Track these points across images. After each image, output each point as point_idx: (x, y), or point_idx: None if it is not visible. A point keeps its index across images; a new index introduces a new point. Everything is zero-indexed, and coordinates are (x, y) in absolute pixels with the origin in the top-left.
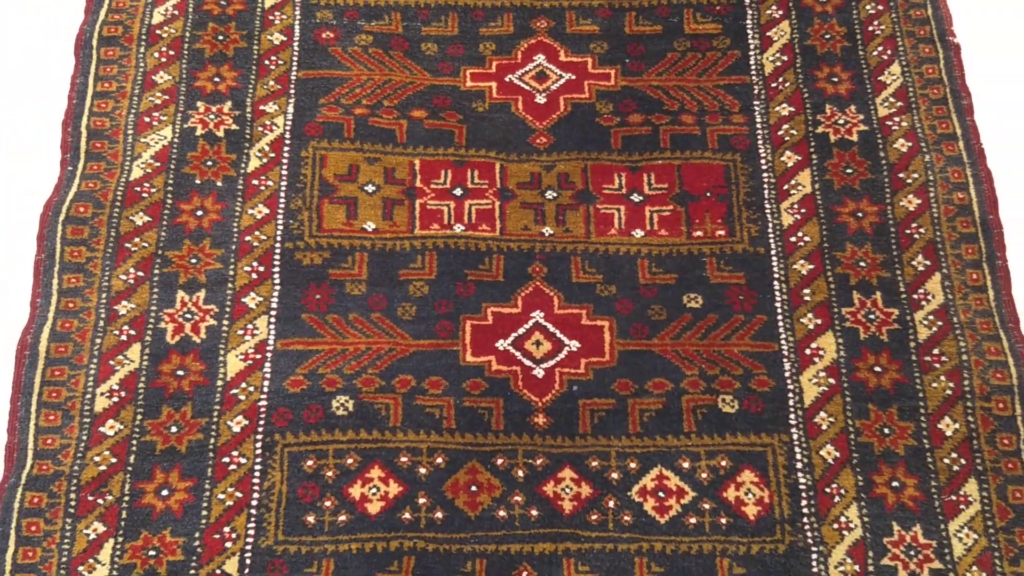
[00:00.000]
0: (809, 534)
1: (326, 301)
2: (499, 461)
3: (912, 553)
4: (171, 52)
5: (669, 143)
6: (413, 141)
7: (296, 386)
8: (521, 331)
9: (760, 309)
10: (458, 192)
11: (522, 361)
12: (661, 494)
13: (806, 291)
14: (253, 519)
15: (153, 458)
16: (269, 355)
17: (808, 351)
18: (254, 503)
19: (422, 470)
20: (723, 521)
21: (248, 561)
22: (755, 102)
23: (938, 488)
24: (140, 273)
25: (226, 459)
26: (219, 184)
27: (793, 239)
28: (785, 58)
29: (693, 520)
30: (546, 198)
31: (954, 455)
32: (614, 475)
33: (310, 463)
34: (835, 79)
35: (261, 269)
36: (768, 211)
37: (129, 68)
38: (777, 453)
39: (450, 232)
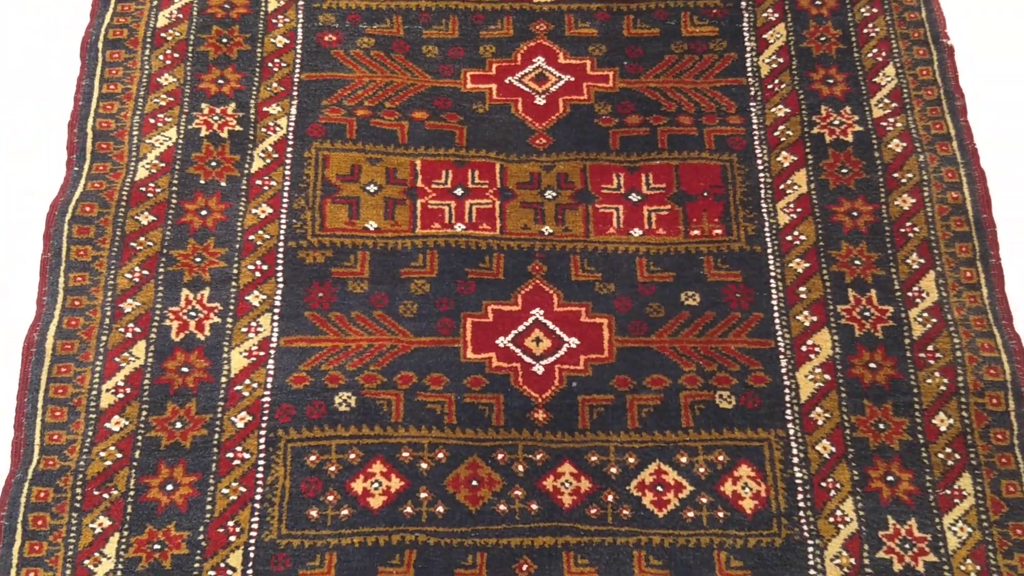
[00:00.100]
0: (805, 528)
1: (329, 299)
2: (499, 456)
3: (907, 546)
4: (176, 55)
5: (667, 144)
6: (414, 142)
7: (299, 382)
8: (521, 328)
9: (757, 307)
10: (459, 192)
11: (522, 358)
12: (659, 488)
13: (802, 289)
14: (257, 513)
15: (158, 453)
16: (272, 352)
17: (804, 348)
18: (258, 498)
19: (423, 465)
20: (720, 515)
21: (252, 555)
22: (751, 103)
23: (933, 482)
24: (145, 272)
25: (230, 454)
26: (223, 184)
27: (789, 238)
28: (781, 60)
29: (691, 514)
30: (545, 198)
31: (948, 450)
32: (613, 470)
33: (313, 458)
34: (830, 81)
35: (265, 267)
36: (764, 210)
37: (134, 70)
38: (774, 448)
39: (451, 231)
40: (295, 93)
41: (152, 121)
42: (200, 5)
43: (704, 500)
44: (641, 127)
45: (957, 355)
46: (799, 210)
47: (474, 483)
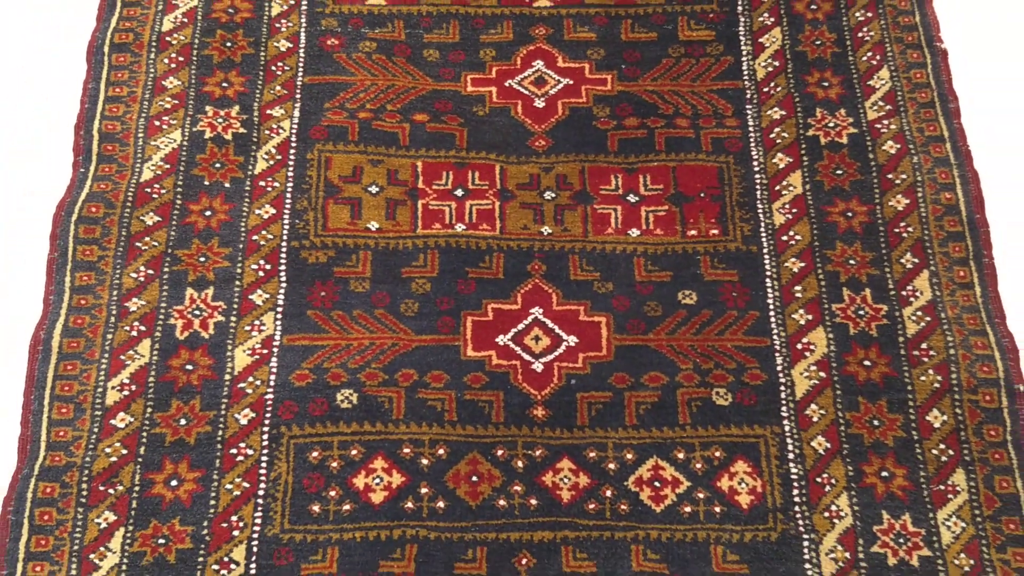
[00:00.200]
0: (801, 522)
1: (331, 298)
2: (499, 452)
3: (901, 540)
4: (180, 58)
5: (664, 146)
6: (415, 144)
7: (302, 380)
8: (520, 327)
9: (753, 305)
10: (459, 193)
11: (521, 356)
12: (657, 484)
13: (797, 288)
14: (260, 508)
15: (163, 449)
16: (276, 350)
17: (799, 346)
18: (261, 493)
19: (424, 461)
20: (717, 510)
21: (255, 549)
22: (747, 106)
23: (927, 478)
24: (150, 271)
25: (234, 450)
26: (227, 185)
27: (785, 238)
28: (777, 63)
29: (688, 509)
30: (545, 198)
31: (942, 446)
32: (611, 465)
33: (315, 454)
34: (825, 84)
35: (268, 267)
36: (760, 211)
37: (140, 74)
38: (769, 444)
39: (451, 231)
40: (298, 96)
41: (157, 123)
42: (205, 10)
43: (701, 495)
44: (639, 129)
45: (951, 353)
46: (795, 211)
47: (474, 479)
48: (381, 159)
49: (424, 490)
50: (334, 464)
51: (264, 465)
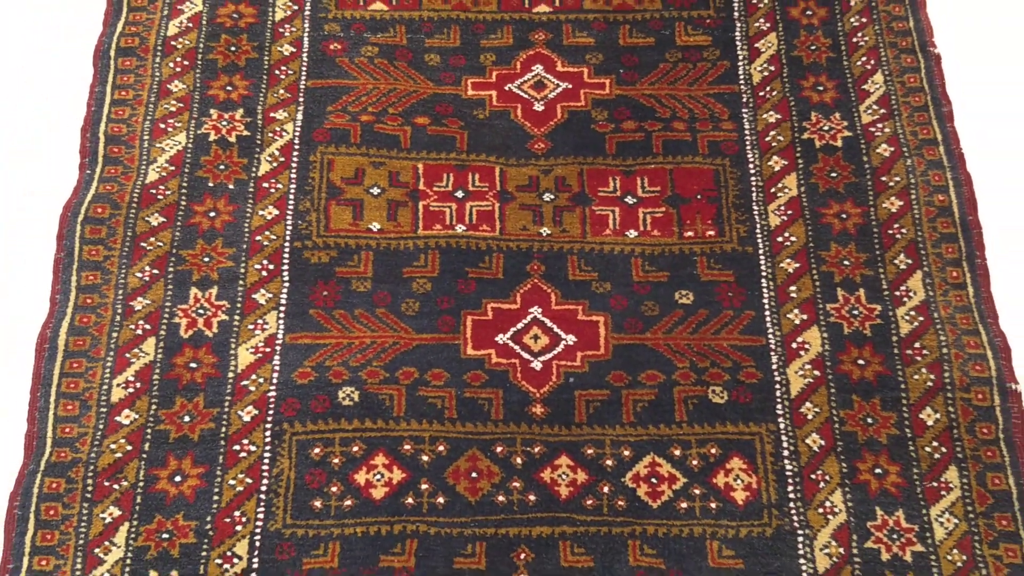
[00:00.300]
0: (795, 518)
1: (333, 297)
2: (498, 449)
3: (895, 536)
4: (186, 62)
5: (661, 148)
6: (417, 146)
7: (304, 378)
8: (520, 326)
9: (748, 305)
10: (459, 194)
11: (521, 354)
12: (653, 480)
13: (792, 288)
14: (262, 504)
15: (167, 446)
16: (278, 348)
17: (794, 345)
18: (263, 488)
19: (424, 457)
20: (713, 506)
21: (257, 544)
22: (743, 110)
23: (920, 475)
24: (155, 271)
25: (237, 447)
26: (231, 187)
27: (780, 239)
28: (772, 68)
29: (684, 505)
30: (544, 200)
31: (935, 443)
32: (608, 462)
33: (317, 451)
34: (820, 88)
35: (271, 267)
36: (756, 213)
37: (145, 77)
38: (765, 441)
39: (452, 232)
40: (301, 99)
41: (162, 126)
42: (209, 15)
43: (697, 491)
44: (636, 132)
45: (943, 352)
46: (790, 212)
47: (474, 475)
48: (383, 161)
49: (424, 486)
50: (336, 460)
51: (267, 461)
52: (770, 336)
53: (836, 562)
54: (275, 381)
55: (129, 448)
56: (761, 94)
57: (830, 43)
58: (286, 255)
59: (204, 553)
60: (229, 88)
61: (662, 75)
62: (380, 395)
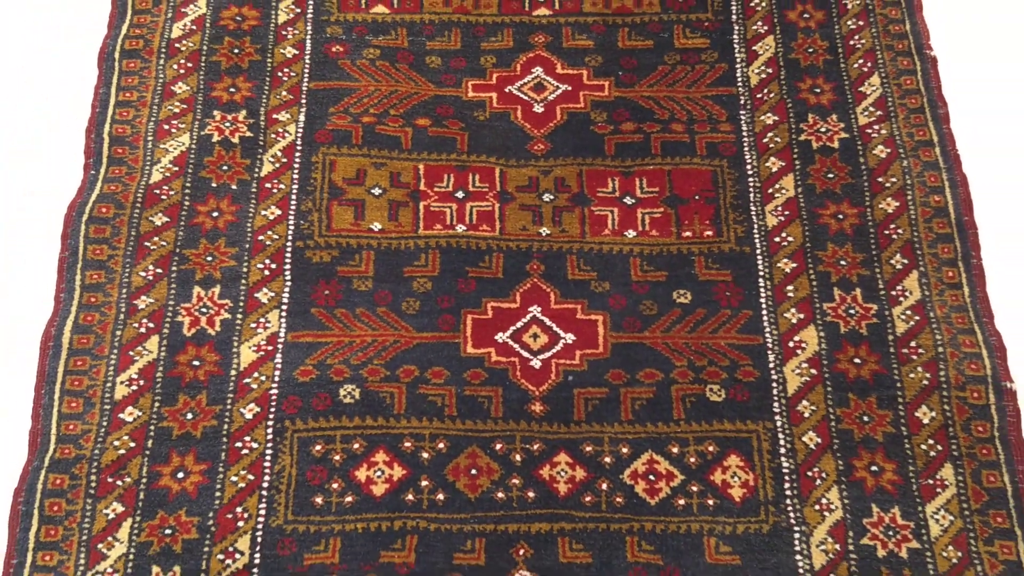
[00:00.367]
0: (792, 515)
1: (334, 296)
2: (498, 446)
3: (891, 533)
4: (189, 64)
5: (660, 150)
6: (418, 147)
7: (305, 375)
8: (519, 324)
9: (746, 304)
10: (460, 195)
11: (520, 353)
12: (651, 477)
13: (789, 288)
14: (264, 500)
15: (170, 443)
16: (280, 347)
17: (791, 344)
18: (265, 485)
19: (425, 455)
20: (710, 502)
21: (259, 539)
22: (741, 112)
23: (915, 472)
24: (159, 270)
25: (239, 444)
26: (234, 187)
27: (777, 239)
28: (770, 70)
29: (682, 502)
30: (543, 200)
31: (931, 441)
32: (607, 459)
33: (318, 448)
34: (817, 90)
35: (273, 266)
36: (753, 213)
37: (149, 79)
38: (762, 439)
39: (452, 232)
40: (303, 101)
41: (166, 127)
42: (213, 17)
43: (695, 488)
44: (635, 134)
45: (939, 351)
46: (787, 213)
47: (473, 472)
48: (384, 162)
49: (424, 483)
50: (336, 457)
51: (268, 458)
52: (767, 335)
53: (832, 558)
54: (277, 379)
55: (132, 445)
56: (759, 96)
57: (827, 46)
58: (288, 254)
59: (206, 548)
60: (232, 90)
61: (661, 77)
62: (381, 393)
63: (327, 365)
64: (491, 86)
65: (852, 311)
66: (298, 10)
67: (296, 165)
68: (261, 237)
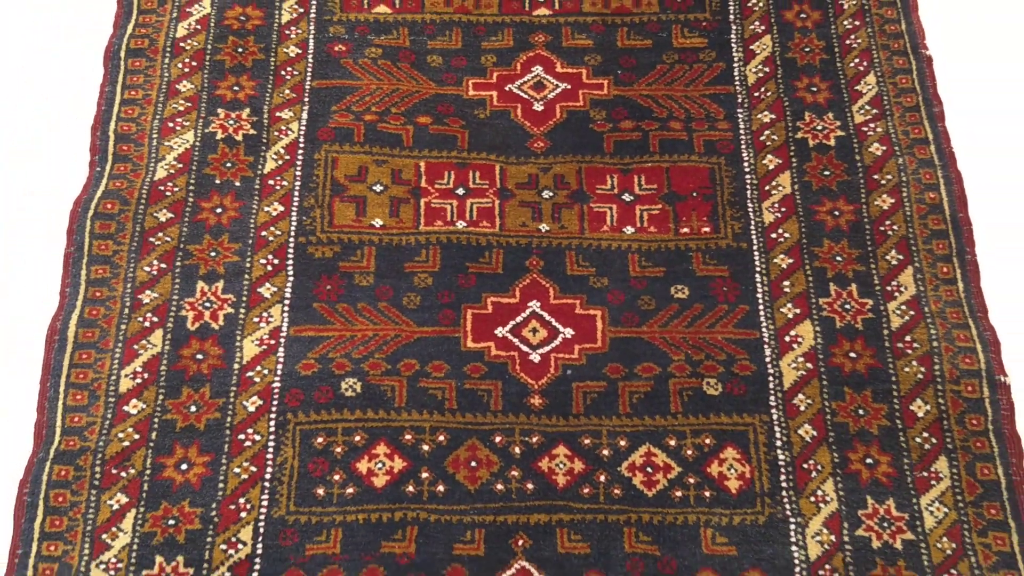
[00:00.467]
0: (788, 506)
1: (336, 291)
2: (497, 439)
3: (885, 525)
4: (194, 63)
5: (658, 147)
6: (419, 145)
7: (308, 369)
8: (519, 319)
9: (743, 300)
10: (460, 192)
11: (519, 347)
12: (649, 469)
13: (786, 283)
14: (267, 491)
15: (173, 435)
16: (283, 341)
17: (787, 338)
18: (267, 476)
19: (425, 447)
20: (707, 494)
21: (261, 530)
22: (739, 110)
23: (910, 465)
24: (163, 265)
25: (241, 436)
26: (237, 184)
27: (774, 235)
28: (767, 69)
29: (679, 493)
30: (543, 197)
31: (925, 434)
32: (605, 452)
33: (320, 440)
34: (814, 89)
35: (276, 262)
36: (750, 210)
37: (154, 77)
38: (758, 432)
39: (453, 228)
40: (306, 99)
41: (171, 125)
42: (217, 17)
43: (691, 480)
44: (634, 132)
45: (934, 345)
46: (783, 209)
47: (473, 464)
48: (385, 159)
49: (425, 474)
50: (338, 449)
51: (271, 450)
52: (764, 330)
53: (827, 549)
54: (279, 372)
55: (136, 437)
56: (756, 95)
57: (824, 45)
58: (291, 250)
59: (209, 539)
60: (236, 88)
61: (659, 76)
62: (382, 386)
63: (329, 359)
64: (491, 85)
65: (848, 306)
66: (301, 10)
67: (299, 162)
68: (264, 233)
